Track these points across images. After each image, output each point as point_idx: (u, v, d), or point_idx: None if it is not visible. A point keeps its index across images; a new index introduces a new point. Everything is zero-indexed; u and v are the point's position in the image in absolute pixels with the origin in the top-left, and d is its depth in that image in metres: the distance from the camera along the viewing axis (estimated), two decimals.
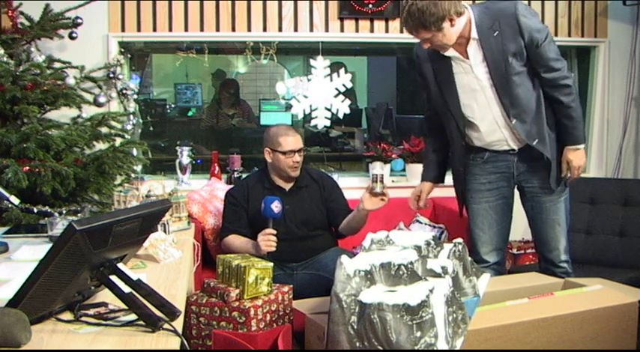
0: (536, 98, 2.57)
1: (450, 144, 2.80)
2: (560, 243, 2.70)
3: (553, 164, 2.63)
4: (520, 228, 2.85)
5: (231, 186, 3.49)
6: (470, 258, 2.24)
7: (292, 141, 3.02)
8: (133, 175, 3.28)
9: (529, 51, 2.49)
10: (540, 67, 2.53)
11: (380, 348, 1.74)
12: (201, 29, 3.88)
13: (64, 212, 2.36)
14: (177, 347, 1.32)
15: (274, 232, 2.80)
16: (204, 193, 3.51)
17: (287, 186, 3.08)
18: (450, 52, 2.52)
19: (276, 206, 2.79)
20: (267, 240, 2.79)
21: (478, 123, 2.61)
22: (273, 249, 2.79)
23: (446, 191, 3.88)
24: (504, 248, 2.82)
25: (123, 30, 3.80)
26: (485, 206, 2.73)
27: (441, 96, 2.63)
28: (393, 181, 4.10)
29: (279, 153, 3.01)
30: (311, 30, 3.97)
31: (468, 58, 2.52)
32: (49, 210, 2.30)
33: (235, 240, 2.99)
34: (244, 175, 3.77)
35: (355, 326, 1.79)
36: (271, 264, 2.52)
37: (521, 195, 2.78)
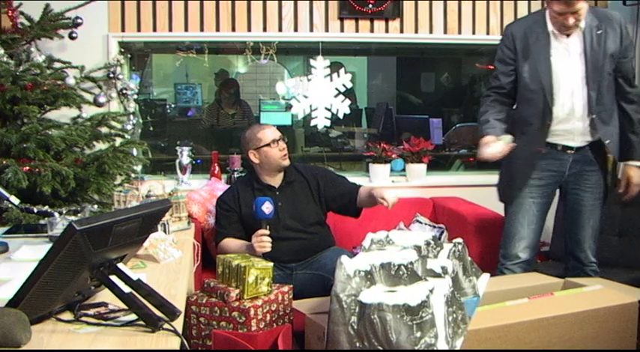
0: (616, 103, 2.72)
1: (520, 125, 2.77)
2: (592, 244, 2.81)
3: (617, 167, 2.76)
4: None
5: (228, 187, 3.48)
6: (470, 258, 2.24)
7: (271, 131, 3.07)
8: (133, 175, 3.28)
9: (619, 59, 2.66)
10: (623, 78, 2.70)
11: (380, 348, 1.74)
12: (201, 29, 3.88)
13: (64, 212, 2.36)
14: (177, 347, 1.32)
15: (267, 233, 2.78)
16: (204, 193, 3.51)
17: (277, 183, 3.08)
18: (559, 36, 2.64)
19: (267, 207, 2.76)
20: (261, 241, 2.77)
21: (555, 108, 2.67)
22: (268, 249, 2.77)
23: (446, 191, 3.91)
24: (537, 247, 2.88)
25: (123, 30, 3.80)
26: (530, 201, 2.77)
27: (535, 71, 2.68)
28: (393, 181, 4.10)
29: (265, 146, 3.02)
30: (311, 30, 3.98)
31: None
32: (49, 210, 2.30)
33: (230, 242, 2.98)
34: (244, 175, 3.77)
35: (355, 327, 1.79)
36: (271, 263, 2.51)
37: (563, 195, 2.84)
